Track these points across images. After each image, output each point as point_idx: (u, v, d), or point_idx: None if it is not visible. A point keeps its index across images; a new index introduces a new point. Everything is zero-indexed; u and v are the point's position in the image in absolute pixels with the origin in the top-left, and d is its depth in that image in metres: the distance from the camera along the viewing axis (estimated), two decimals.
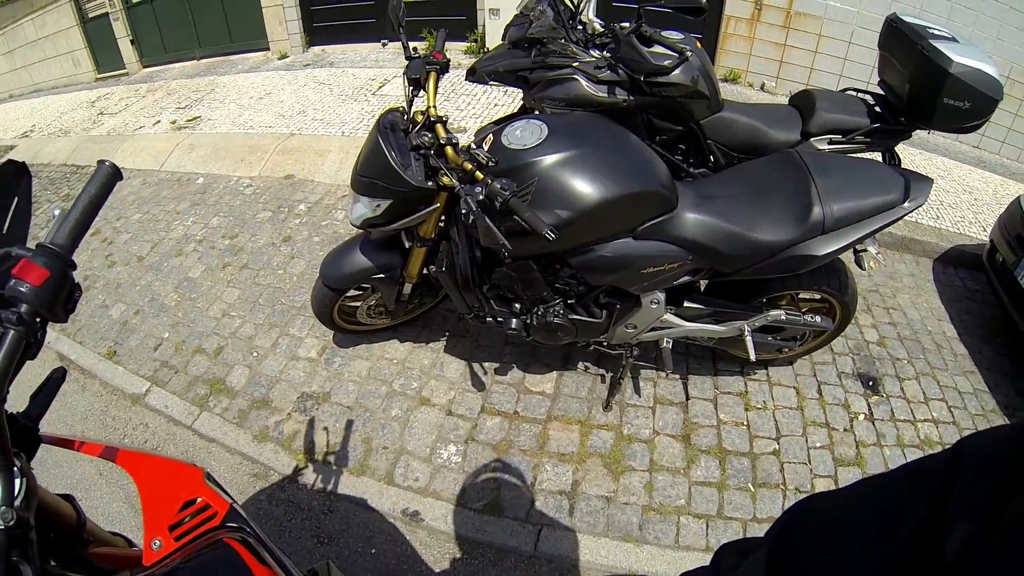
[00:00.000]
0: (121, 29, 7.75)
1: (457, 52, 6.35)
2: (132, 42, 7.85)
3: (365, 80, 5.78)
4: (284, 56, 6.73)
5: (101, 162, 0.89)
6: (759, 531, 2.21)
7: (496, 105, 5.01)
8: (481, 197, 1.64)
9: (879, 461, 2.53)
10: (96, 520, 1.02)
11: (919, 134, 3.12)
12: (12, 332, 0.73)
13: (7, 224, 0.85)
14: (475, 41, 6.31)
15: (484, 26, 5.99)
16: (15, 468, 0.72)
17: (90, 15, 8.11)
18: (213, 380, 2.71)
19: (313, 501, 2.26)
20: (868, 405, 2.77)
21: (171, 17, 7.39)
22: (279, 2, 6.48)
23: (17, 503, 0.70)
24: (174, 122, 5.40)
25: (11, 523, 0.67)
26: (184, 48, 7.45)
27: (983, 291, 3.71)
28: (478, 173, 1.70)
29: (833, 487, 2.35)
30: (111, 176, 0.88)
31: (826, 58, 5.83)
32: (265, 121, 5.03)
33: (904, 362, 3.05)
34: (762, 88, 6.06)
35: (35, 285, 0.75)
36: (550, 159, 1.77)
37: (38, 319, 0.76)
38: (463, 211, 1.69)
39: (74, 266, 0.82)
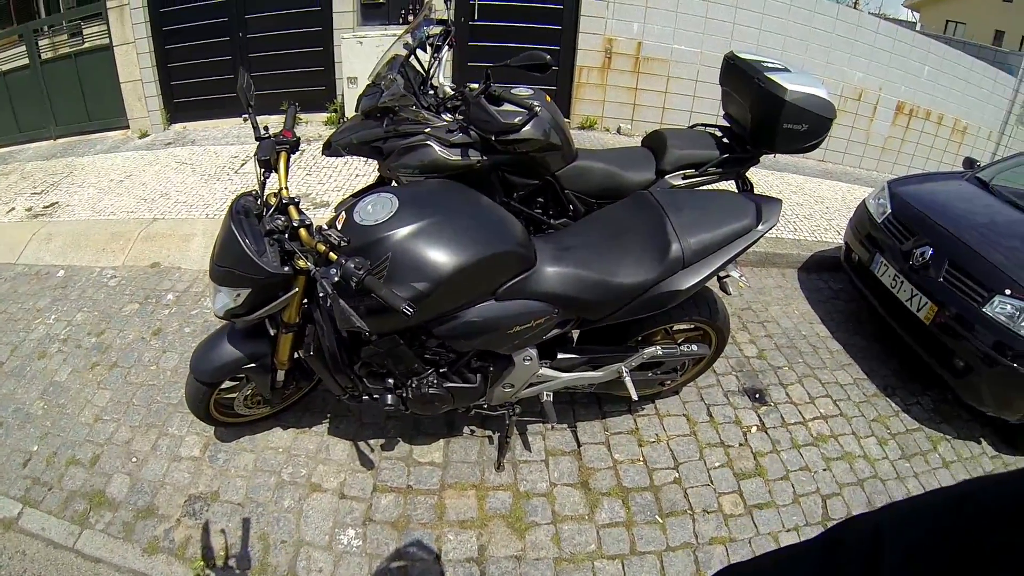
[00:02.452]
0: None
1: (317, 124, 6.34)
2: None
3: (227, 158, 5.62)
4: (145, 135, 6.43)
5: None
6: (675, 561, 2.25)
7: (358, 175, 4.99)
8: (336, 279, 1.60)
9: (779, 467, 2.67)
10: None
11: (768, 158, 3.38)
12: None
13: None
14: (335, 111, 6.29)
15: (343, 96, 6.01)
16: None
17: None
18: (92, 493, 2.46)
19: None
20: (758, 416, 2.91)
21: (25, 93, 6.88)
22: (137, 77, 6.22)
23: None
24: (30, 209, 4.99)
25: None
26: (39, 126, 6.95)
27: (846, 289, 4.04)
28: (332, 254, 1.67)
29: (739, 502, 2.46)
30: None
31: (676, 97, 6.29)
32: (127, 205, 4.76)
33: (785, 369, 3.24)
34: (618, 131, 6.41)
35: None
36: (401, 232, 1.76)
37: None
38: (320, 294, 1.64)
39: None
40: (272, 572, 2.17)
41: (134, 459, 2.59)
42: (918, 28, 11.07)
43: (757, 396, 3.02)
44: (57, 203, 5.02)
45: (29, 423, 2.82)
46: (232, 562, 2.21)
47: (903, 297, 3.19)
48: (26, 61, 6.72)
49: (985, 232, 3.16)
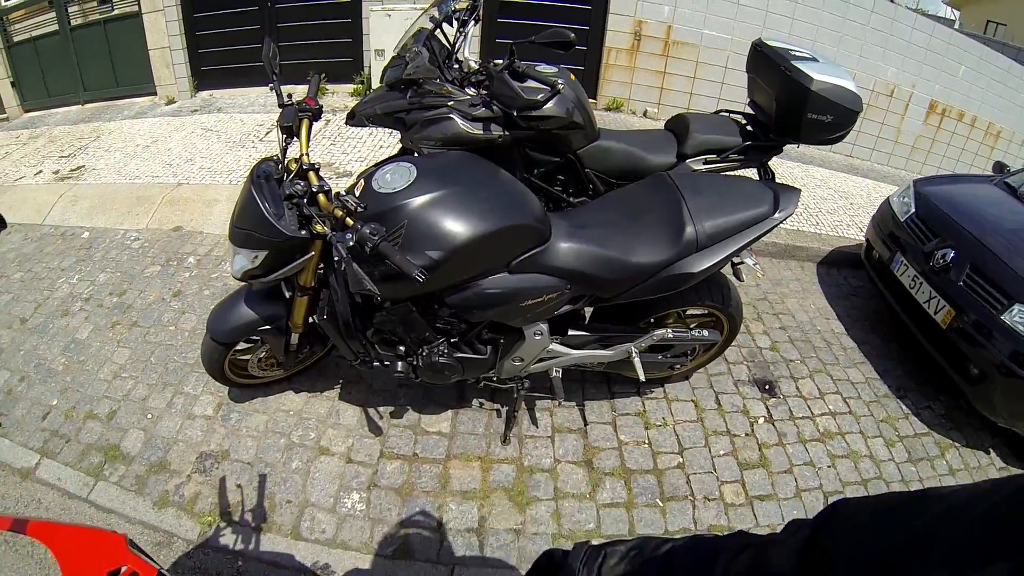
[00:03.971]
0: (1, 70, 7.28)
1: (344, 95, 6.34)
2: (12, 84, 7.37)
3: (253, 126, 5.66)
4: (172, 101, 6.50)
5: None
6: None
7: (381, 147, 5.00)
8: (351, 243, 1.63)
9: (783, 459, 2.66)
10: None
11: (795, 148, 3.33)
12: None
13: None
14: (362, 83, 6.29)
15: (370, 67, 6.01)
16: None
17: None
18: (107, 447, 2.53)
19: (222, 565, 2.14)
20: (767, 408, 2.90)
21: (54, 59, 7.00)
22: (165, 44, 6.27)
23: None
24: (57, 172, 5.09)
25: None
26: (68, 92, 7.05)
27: (865, 287, 3.99)
28: (348, 219, 1.69)
29: (741, 492, 2.46)
30: None
31: (704, 83, 6.20)
32: (152, 170, 4.83)
33: (797, 362, 3.22)
34: (645, 115, 6.35)
35: None
36: (418, 201, 1.77)
37: None
38: (336, 258, 1.67)
39: None
40: (277, 530, 2.23)
41: (149, 416, 2.66)
42: (957, 27, 10.76)
43: (767, 387, 3.01)
44: (84, 166, 5.10)
45: (50, 378, 2.89)
46: (239, 518, 2.27)
47: (921, 299, 3.14)
48: (56, 27, 6.81)
49: (1010, 238, 3.08)
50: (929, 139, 6.99)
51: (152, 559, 0.97)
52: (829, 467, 2.67)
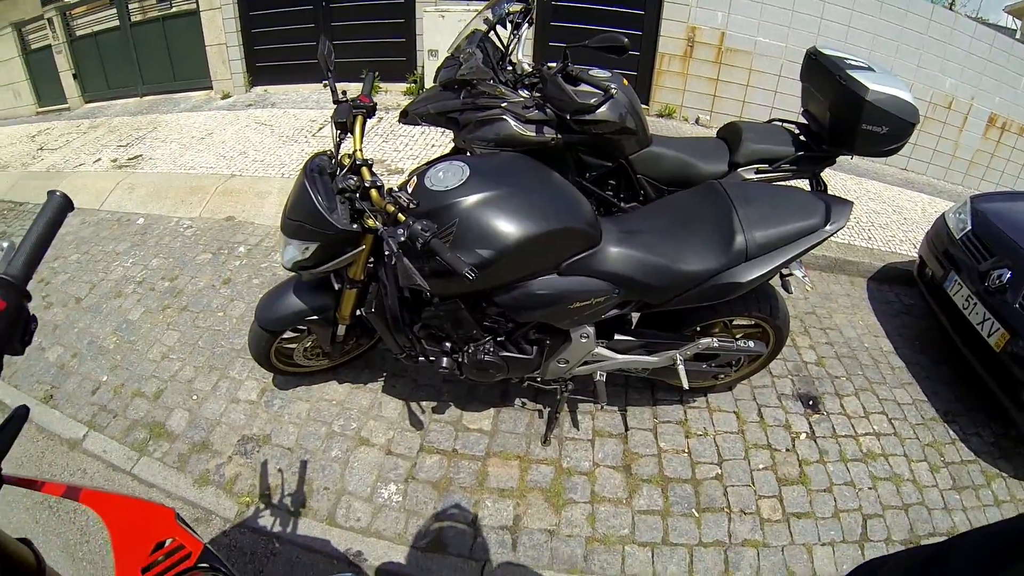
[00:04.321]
0: (64, 62, 7.60)
1: (397, 93, 6.43)
2: (75, 76, 7.70)
3: (306, 122, 5.79)
4: (227, 96, 6.69)
5: (52, 192, 0.87)
6: (705, 557, 2.23)
7: (434, 146, 5.06)
8: (403, 239, 1.65)
9: (823, 478, 2.59)
10: (48, 555, 0.98)
11: (849, 160, 3.26)
12: None
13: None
14: (414, 82, 6.38)
15: (423, 67, 6.08)
16: None
17: (32, 47, 7.95)
18: (153, 424, 2.63)
19: (256, 545, 2.20)
20: (809, 424, 2.83)
21: (115, 53, 7.30)
22: (222, 41, 6.46)
23: None
24: (115, 160, 5.29)
25: None
26: (127, 84, 7.34)
27: (917, 305, 3.86)
28: (400, 215, 1.71)
29: (778, 508, 2.41)
30: (63, 207, 0.87)
31: (757, 91, 6.10)
32: (206, 162, 4.98)
33: (843, 379, 3.14)
34: (697, 122, 6.28)
35: None
36: (471, 200, 1.79)
37: None
38: (386, 252, 1.69)
39: (29, 297, 0.81)
40: (313, 515, 2.27)
41: (195, 397, 2.74)
42: (1018, 36, 10.34)
43: (811, 403, 2.94)
44: (141, 156, 5.29)
45: (101, 355, 3.01)
46: (276, 501, 2.32)
47: (975, 320, 3.02)
48: (117, 23, 7.09)
49: None
50: (988, 154, 6.74)
51: (197, 535, 0.99)
52: (870, 489, 2.59)
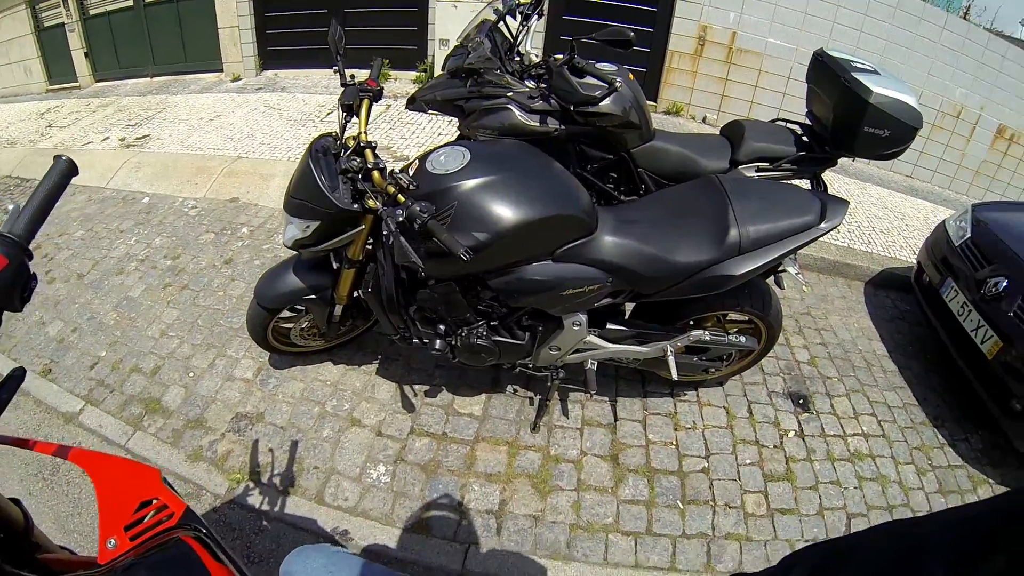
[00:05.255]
0: (76, 41, 7.62)
1: (406, 81, 6.43)
2: (86, 55, 7.72)
3: (314, 107, 5.81)
4: (237, 78, 6.71)
5: (58, 157, 0.90)
6: (688, 549, 2.26)
7: (440, 135, 5.07)
8: (401, 219, 1.68)
9: (810, 475, 2.61)
10: (40, 525, 1.01)
11: (853, 165, 3.26)
12: None
13: None
14: (424, 71, 6.38)
15: (434, 56, 6.08)
16: None
17: (46, 24, 7.96)
18: (149, 399, 2.66)
19: (245, 521, 2.23)
20: (798, 422, 2.85)
21: (127, 32, 7.31)
22: (234, 24, 6.47)
23: None
24: (123, 139, 5.32)
25: None
26: (138, 64, 7.36)
27: (913, 311, 3.87)
28: (400, 196, 1.74)
29: (763, 503, 2.43)
30: (67, 171, 0.90)
31: (765, 92, 6.08)
32: (214, 143, 5.01)
33: (834, 380, 3.16)
34: (704, 121, 6.27)
35: None
36: (470, 183, 1.81)
37: None
38: (384, 232, 1.72)
39: (31, 255, 0.84)
40: (302, 494, 2.30)
41: (191, 374, 2.77)
42: None
43: (801, 402, 2.96)
44: (149, 135, 5.32)
45: (101, 331, 3.04)
46: (267, 479, 2.35)
47: (969, 327, 3.03)
48: (130, 2, 7.10)
49: None
50: (995, 165, 6.70)
51: (180, 497, 1.02)
52: (856, 488, 2.61)
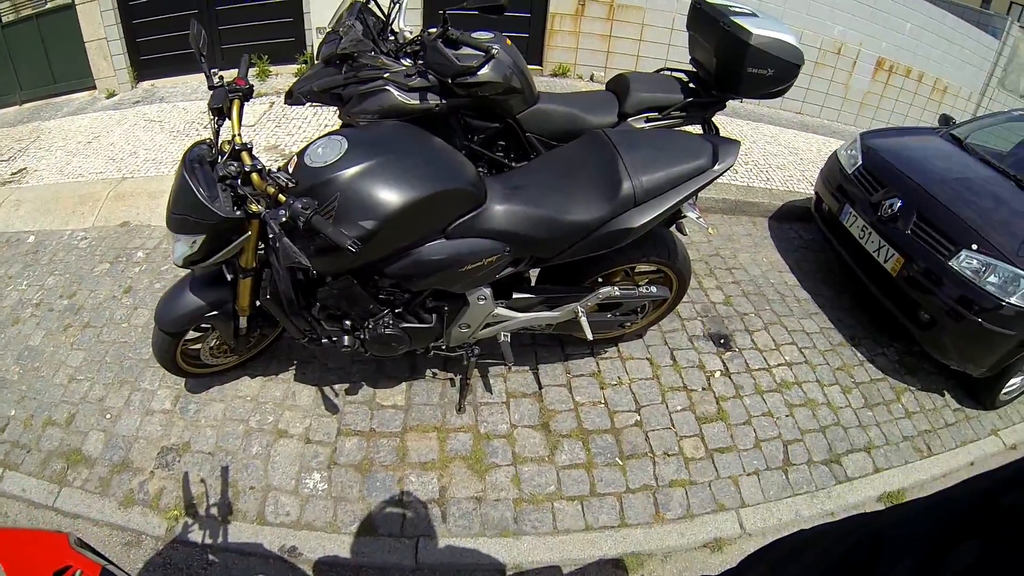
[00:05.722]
0: None
1: (288, 75, 6.19)
2: None
3: (196, 114, 5.54)
4: (112, 94, 6.29)
5: None
6: (634, 503, 2.31)
7: (327, 125, 4.93)
8: (284, 219, 1.62)
9: (741, 412, 2.72)
10: None
11: (744, 107, 3.36)
12: None
13: None
14: (305, 62, 6.17)
15: (313, 46, 5.88)
16: None
17: None
18: (69, 452, 2.50)
19: (191, 558, 2.14)
20: (722, 362, 2.96)
21: None
22: (102, 35, 6.05)
23: None
24: None
25: None
26: (4, 92, 6.77)
27: (816, 240, 4.08)
28: (281, 196, 1.68)
29: (700, 446, 2.51)
30: None
31: (651, 45, 6.19)
32: (95, 167, 4.69)
33: (751, 316, 3.29)
34: (591, 79, 6.33)
35: None
36: (349, 172, 1.77)
37: None
38: (270, 235, 1.66)
39: None
40: (243, 517, 2.23)
41: (108, 416, 2.62)
42: None
43: (722, 342, 3.06)
44: (25, 169, 4.95)
45: (5, 388, 2.82)
46: (204, 510, 2.26)
47: (871, 248, 3.22)
48: None
49: (956, 188, 3.17)
50: (877, 95, 7.10)
51: (99, 553, 0.96)
52: (787, 416, 2.73)
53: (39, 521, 2.32)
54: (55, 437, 2.57)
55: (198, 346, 2.50)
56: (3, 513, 2.37)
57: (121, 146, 5.02)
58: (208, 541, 2.17)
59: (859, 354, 3.17)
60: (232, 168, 1.83)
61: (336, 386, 2.69)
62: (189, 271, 2.23)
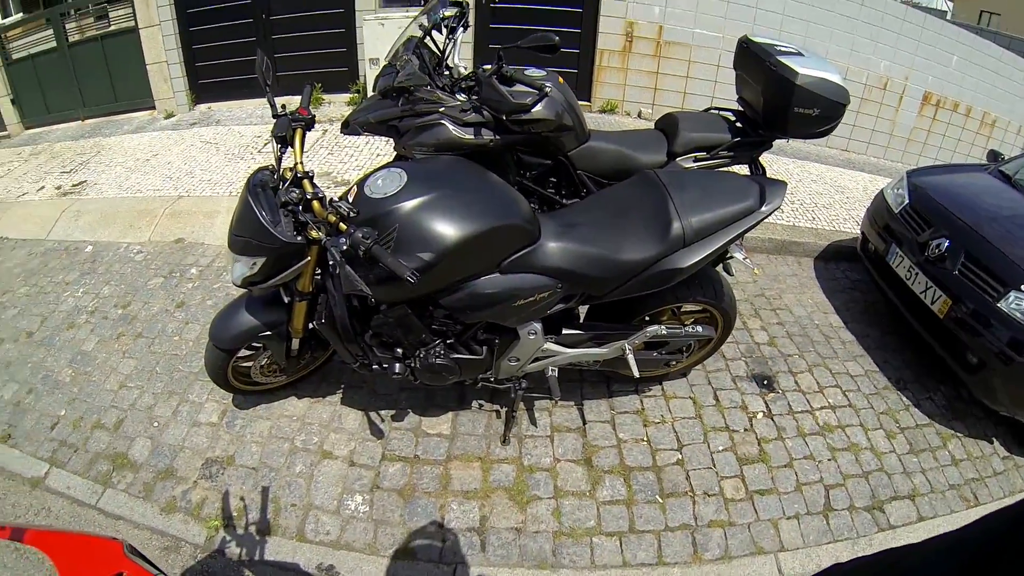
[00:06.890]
0: (1, 88, 7.35)
1: (340, 104, 6.38)
2: (12, 101, 7.42)
3: (251, 138, 5.72)
4: (171, 115, 6.55)
5: None
6: (673, 542, 2.29)
7: (379, 155, 5.05)
8: (345, 247, 1.67)
9: (783, 454, 2.67)
10: None
11: (789, 145, 3.36)
12: None
13: None
14: (357, 92, 6.34)
15: (365, 76, 6.03)
16: None
17: None
18: (115, 455, 2.58)
19: (228, 569, 2.18)
20: (765, 403, 2.91)
21: (53, 75, 7.05)
22: (163, 59, 6.32)
23: None
24: (59, 187, 5.14)
25: None
26: (68, 108, 7.11)
27: (862, 280, 4.00)
28: (342, 224, 1.74)
29: (741, 486, 2.48)
30: None
31: (697, 82, 6.22)
32: (153, 184, 4.88)
33: (796, 357, 3.23)
34: (639, 115, 6.37)
35: None
36: (409, 205, 1.82)
37: None
38: (330, 262, 1.71)
39: None
40: (282, 533, 2.26)
41: (155, 424, 2.70)
42: (949, 17, 10.75)
43: (765, 382, 3.02)
44: (85, 181, 5.16)
45: (58, 389, 2.93)
46: (245, 523, 2.30)
47: (917, 289, 3.15)
48: (54, 44, 6.86)
49: (1005, 226, 3.09)
50: (924, 131, 6.98)
51: (153, 564, 0.98)
52: (830, 460, 2.67)
53: (81, 519, 2.39)
54: (102, 440, 2.65)
55: (249, 364, 2.56)
56: (47, 508, 2.45)
57: (178, 165, 5.20)
58: (246, 553, 2.21)
59: (905, 398, 3.09)
60: (294, 195, 1.89)
61: (383, 412, 2.73)
62: (246, 291, 2.30)
